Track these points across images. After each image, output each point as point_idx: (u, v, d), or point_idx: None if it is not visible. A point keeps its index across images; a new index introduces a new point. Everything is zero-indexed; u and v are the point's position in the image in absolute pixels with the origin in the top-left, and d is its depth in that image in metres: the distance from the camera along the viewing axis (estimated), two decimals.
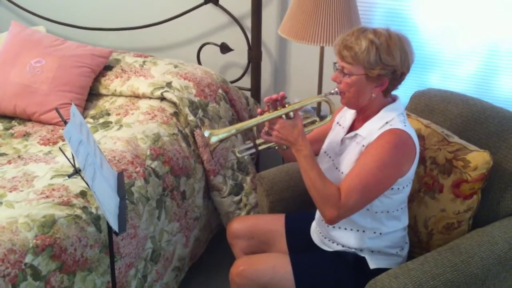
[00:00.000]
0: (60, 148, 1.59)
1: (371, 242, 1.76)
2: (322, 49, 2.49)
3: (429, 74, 2.69)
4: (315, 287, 1.78)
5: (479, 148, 1.84)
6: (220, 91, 2.63)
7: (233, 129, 1.73)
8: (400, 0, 2.58)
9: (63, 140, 2.29)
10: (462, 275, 1.63)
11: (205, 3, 2.84)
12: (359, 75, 1.61)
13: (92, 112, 2.52)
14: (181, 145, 2.34)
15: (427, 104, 2.14)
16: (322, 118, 1.84)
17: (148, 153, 2.18)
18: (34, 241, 1.64)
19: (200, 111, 2.45)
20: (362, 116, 1.73)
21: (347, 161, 1.71)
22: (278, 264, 1.81)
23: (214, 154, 2.42)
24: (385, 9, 2.63)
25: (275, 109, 1.68)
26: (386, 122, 1.65)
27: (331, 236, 1.82)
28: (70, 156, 1.49)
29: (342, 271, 1.78)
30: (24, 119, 2.50)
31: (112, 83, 2.59)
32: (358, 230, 1.76)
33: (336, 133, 1.83)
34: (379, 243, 1.76)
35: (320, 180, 1.62)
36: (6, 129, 2.43)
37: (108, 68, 2.65)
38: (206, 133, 1.71)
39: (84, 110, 2.53)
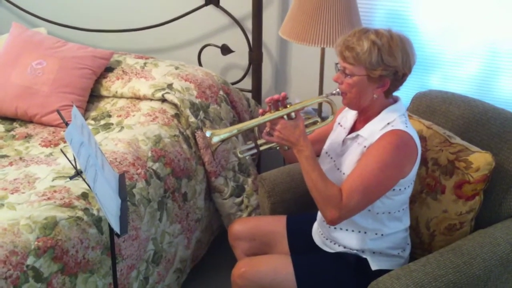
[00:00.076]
0: (61, 150, 1.59)
1: (373, 243, 1.75)
2: (323, 50, 2.49)
3: (430, 75, 2.68)
4: None
5: (481, 149, 1.84)
6: (221, 92, 2.63)
7: (234, 129, 1.73)
8: (401, 1, 2.58)
9: (65, 142, 2.29)
10: (464, 276, 1.63)
11: (206, 4, 2.84)
12: (360, 75, 1.61)
13: (93, 113, 2.52)
14: (182, 146, 2.34)
15: (428, 106, 2.14)
16: (323, 119, 1.84)
17: (150, 154, 2.18)
18: (36, 243, 1.64)
19: (201, 112, 2.45)
20: (364, 117, 1.73)
21: (349, 162, 1.71)
22: (280, 265, 1.81)
23: (215, 156, 2.42)
24: (386, 10, 2.63)
25: (277, 109, 1.68)
26: (388, 123, 1.65)
27: (332, 237, 1.82)
28: (71, 158, 1.49)
29: (344, 272, 1.78)
30: (26, 120, 2.50)
31: (113, 84, 2.59)
32: (359, 231, 1.75)
33: (337, 134, 1.83)
34: (381, 244, 1.76)
35: (322, 181, 1.62)
36: (8, 130, 2.43)
37: (109, 69, 2.65)
38: (208, 133, 1.71)
39: (85, 111, 2.53)
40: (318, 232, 1.91)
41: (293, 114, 1.68)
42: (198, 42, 3.02)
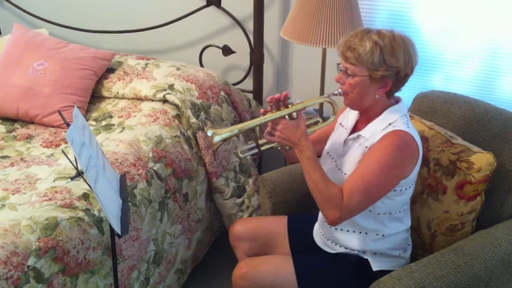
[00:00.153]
0: (62, 151, 1.58)
1: (374, 244, 1.75)
2: (324, 50, 2.49)
3: (431, 76, 2.68)
4: None
5: (483, 149, 1.84)
6: (222, 93, 2.63)
7: (236, 129, 1.73)
8: (402, 2, 2.58)
9: (66, 143, 2.29)
10: (465, 277, 1.63)
11: (207, 5, 2.84)
12: (362, 76, 1.61)
13: (94, 114, 2.52)
14: (184, 147, 2.34)
15: (430, 106, 2.14)
16: (324, 119, 1.83)
17: (151, 155, 2.18)
18: (37, 243, 1.64)
19: (202, 113, 2.45)
20: (365, 118, 1.73)
21: (350, 162, 1.70)
22: (281, 266, 1.81)
23: (216, 156, 2.42)
24: (387, 11, 2.63)
25: (278, 109, 1.68)
26: (389, 124, 1.65)
27: (333, 238, 1.82)
28: (72, 159, 1.49)
29: (345, 273, 1.78)
30: (27, 121, 2.50)
31: (114, 85, 2.59)
32: (360, 232, 1.75)
33: (339, 134, 1.82)
34: (382, 245, 1.76)
35: (323, 181, 1.62)
36: (9, 131, 2.43)
37: (110, 70, 2.65)
38: (209, 133, 1.71)
39: (86, 112, 2.53)
40: (319, 232, 1.91)
41: (294, 114, 1.67)
42: (199, 43, 3.02)
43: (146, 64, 2.67)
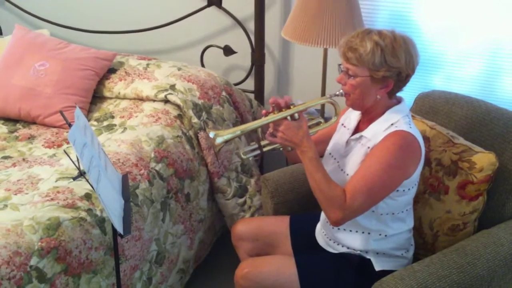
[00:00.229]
0: (64, 151, 1.59)
1: (376, 244, 1.75)
2: (325, 51, 2.49)
3: (433, 76, 2.68)
4: None
5: (485, 149, 1.84)
6: (223, 93, 2.63)
7: (238, 130, 1.73)
8: (403, 2, 2.58)
9: (68, 143, 2.29)
10: (468, 276, 1.63)
11: (208, 5, 2.84)
12: (364, 76, 1.61)
13: (96, 114, 2.52)
14: (185, 147, 2.35)
15: (431, 106, 2.14)
16: (326, 119, 1.83)
17: (152, 155, 2.18)
18: (39, 243, 1.65)
19: (204, 113, 2.45)
20: (367, 118, 1.73)
21: (352, 163, 1.70)
22: (283, 266, 1.81)
23: (218, 156, 2.42)
24: (388, 11, 2.63)
25: (280, 110, 1.68)
26: (391, 124, 1.64)
27: (336, 238, 1.82)
28: (74, 159, 1.49)
29: (347, 273, 1.77)
30: (29, 122, 2.50)
31: (116, 85, 2.59)
32: (363, 232, 1.75)
33: (341, 135, 1.82)
34: (384, 245, 1.76)
35: (325, 182, 1.62)
36: (11, 132, 2.43)
37: (112, 71, 2.65)
38: (211, 134, 1.71)
39: (88, 113, 2.53)
40: (322, 232, 1.91)
41: (296, 115, 1.67)
42: (200, 43, 3.02)
43: (148, 65, 2.67)
